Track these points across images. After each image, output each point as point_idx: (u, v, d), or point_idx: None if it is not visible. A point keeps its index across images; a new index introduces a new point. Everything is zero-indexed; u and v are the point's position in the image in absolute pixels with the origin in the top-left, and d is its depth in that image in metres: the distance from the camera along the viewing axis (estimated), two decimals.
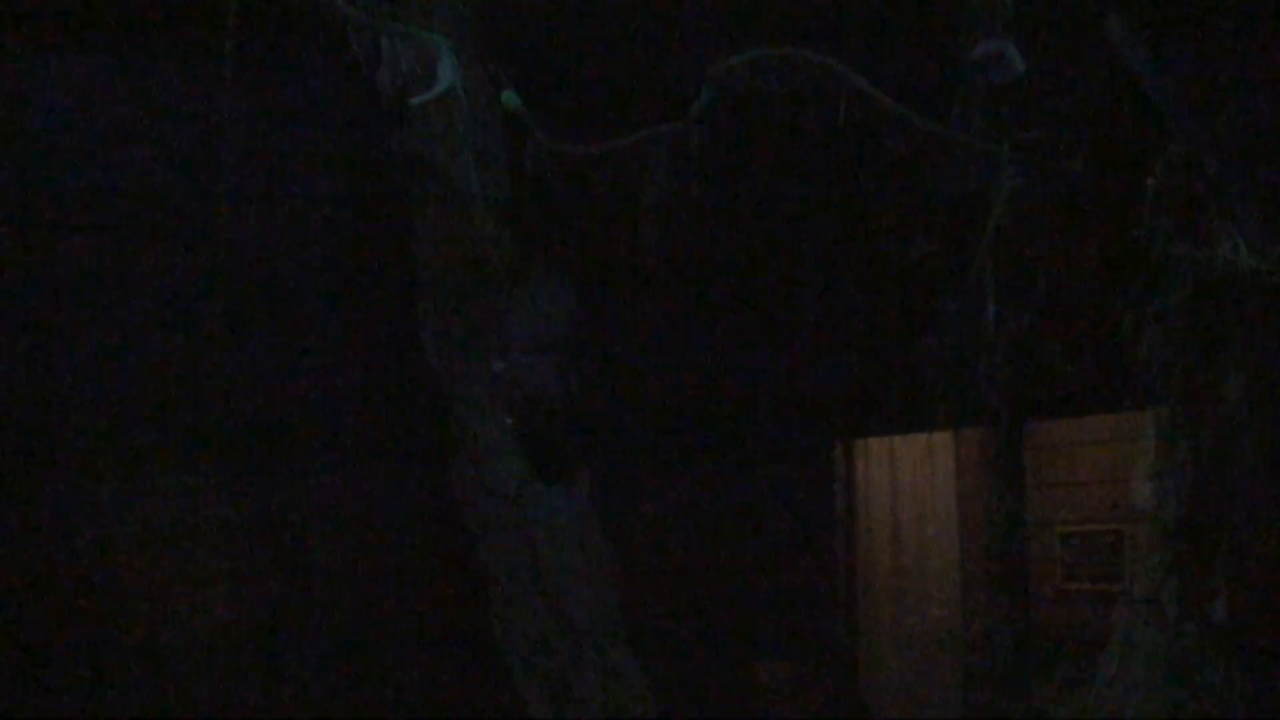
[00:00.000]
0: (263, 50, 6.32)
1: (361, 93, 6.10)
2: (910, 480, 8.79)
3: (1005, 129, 6.57)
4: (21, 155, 6.23)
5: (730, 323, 8.00)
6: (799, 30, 6.44)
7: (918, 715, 8.43)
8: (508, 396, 6.48)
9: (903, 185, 7.09)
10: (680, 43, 6.95)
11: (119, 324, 6.31)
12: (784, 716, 7.79)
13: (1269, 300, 5.54)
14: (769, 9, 6.66)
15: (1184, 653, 5.57)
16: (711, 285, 7.88)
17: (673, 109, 6.44)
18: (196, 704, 6.19)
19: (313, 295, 6.72)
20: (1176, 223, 5.70)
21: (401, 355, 6.65)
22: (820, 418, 8.41)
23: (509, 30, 6.71)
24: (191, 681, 6.19)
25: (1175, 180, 5.71)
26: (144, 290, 6.38)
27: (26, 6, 6.18)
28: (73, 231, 6.27)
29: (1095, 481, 7.57)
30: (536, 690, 6.32)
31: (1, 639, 5.87)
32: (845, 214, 7.92)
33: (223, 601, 6.30)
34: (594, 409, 7.00)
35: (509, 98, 6.31)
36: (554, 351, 6.71)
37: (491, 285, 6.50)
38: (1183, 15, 5.82)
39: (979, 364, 6.91)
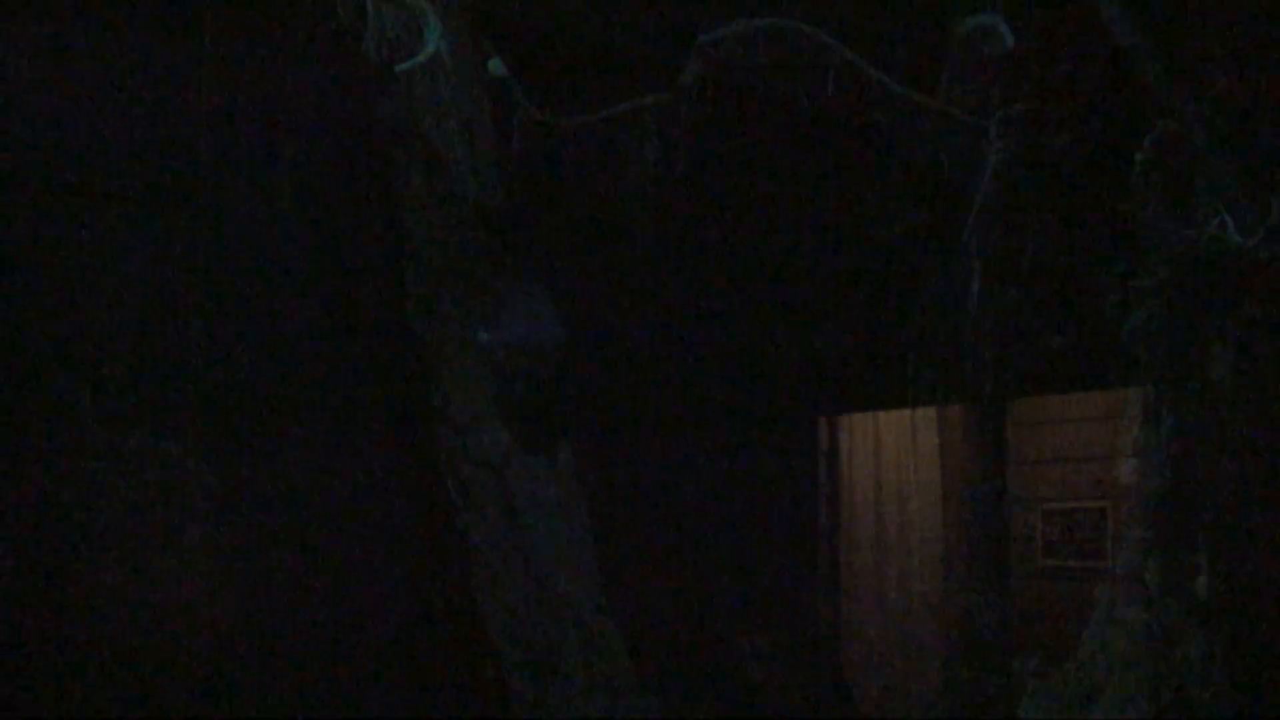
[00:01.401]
0: (245, 14, 6.26)
1: (346, 58, 6.06)
2: (893, 456, 8.81)
3: (993, 103, 6.55)
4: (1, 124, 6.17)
5: (714, 296, 7.98)
6: (788, 1, 6.41)
7: (899, 689, 8.46)
8: (492, 367, 6.45)
9: (889, 159, 7.06)
10: (668, 13, 6.91)
11: (98, 290, 6.26)
12: (765, 688, 7.81)
13: (1256, 278, 5.54)
14: None
15: (1166, 629, 5.58)
16: (697, 258, 7.86)
17: (661, 80, 6.41)
18: (179, 673, 6.17)
19: (295, 262, 6.68)
20: (1164, 199, 5.69)
21: (385, 323, 6.62)
22: (804, 393, 8.40)
23: None
24: (174, 653, 6.17)
25: (1163, 156, 5.70)
26: (124, 257, 6.33)
27: None
28: (48, 198, 6.21)
29: (1079, 458, 7.60)
30: (518, 660, 6.31)
31: None
32: (831, 187, 7.90)
33: (202, 569, 6.28)
34: (578, 380, 6.97)
35: (495, 65, 6.27)
36: (539, 323, 6.68)
37: (477, 254, 6.47)
38: None
39: (963, 340, 6.90)
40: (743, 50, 6.17)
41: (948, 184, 6.81)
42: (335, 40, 5.76)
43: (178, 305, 6.40)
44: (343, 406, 6.71)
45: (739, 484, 8.03)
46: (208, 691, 6.23)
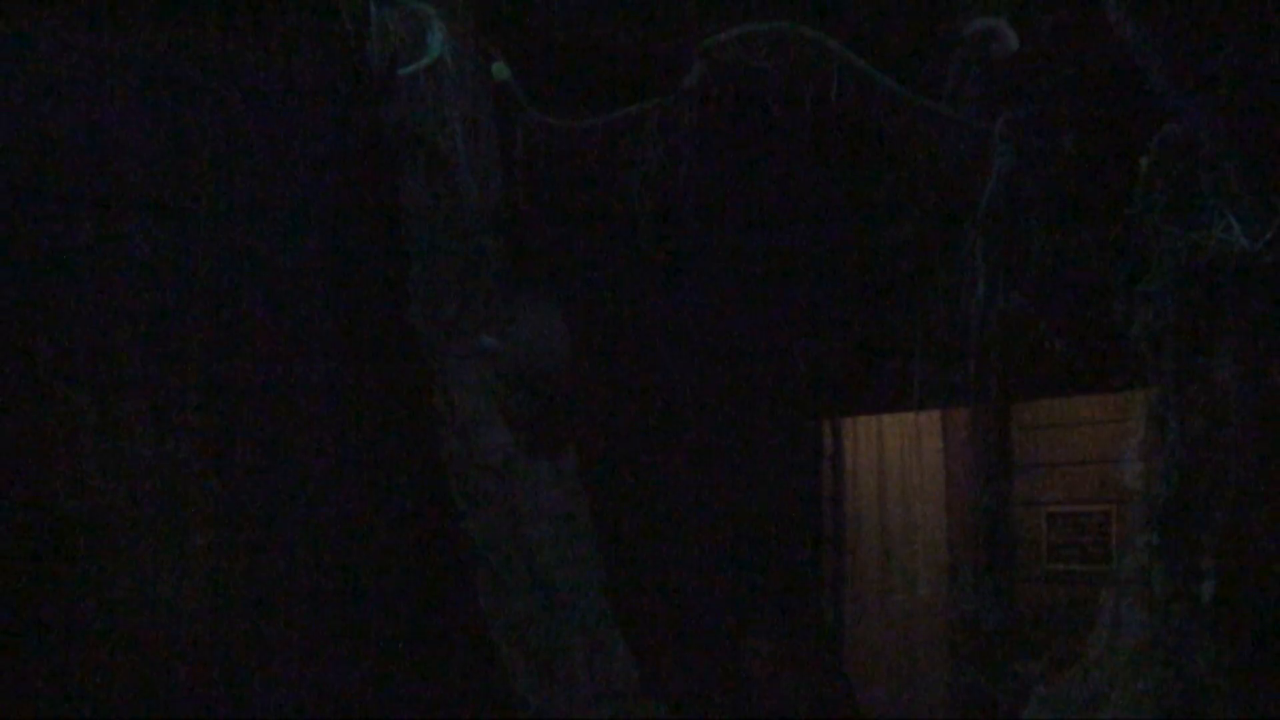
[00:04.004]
0: (251, 19, 6.27)
1: (350, 62, 6.06)
2: (897, 460, 8.78)
3: (998, 106, 6.55)
4: (5, 127, 6.17)
5: (718, 299, 7.98)
6: (791, 5, 6.41)
7: (903, 694, 8.45)
8: (496, 370, 6.46)
9: (893, 162, 7.06)
10: (672, 16, 6.91)
11: (102, 292, 6.27)
12: (770, 693, 7.80)
13: (1261, 281, 5.53)
14: None
15: (1172, 633, 5.57)
16: (700, 262, 7.85)
17: (664, 83, 6.41)
18: (179, 677, 6.17)
19: (300, 266, 6.68)
20: (1169, 202, 5.68)
21: (389, 327, 6.62)
22: (808, 396, 8.40)
23: (500, 1, 6.68)
24: (174, 655, 6.17)
25: (1169, 159, 5.69)
26: (128, 259, 6.33)
27: None
28: (58, 204, 6.22)
29: (1083, 462, 7.56)
30: (523, 665, 6.31)
31: None
32: (835, 191, 7.90)
33: (206, 574, 6.28)
34: (582, 385, 6.97)
35: (499, 69, 6.27)
36: (544, 328, 6.68)
37: (481, 258, 6.48)
38: None
39: (968, 343, 6.89)
40: (746, 54, 6.16)
41: (953, 187, 6.81)
42: (340, 45, 5.77)
43: (182, 310, 6.40)
44: (347, 410, 6.71)
45: (742, 487, 8.02)
46: (210, 692, 6.23)
